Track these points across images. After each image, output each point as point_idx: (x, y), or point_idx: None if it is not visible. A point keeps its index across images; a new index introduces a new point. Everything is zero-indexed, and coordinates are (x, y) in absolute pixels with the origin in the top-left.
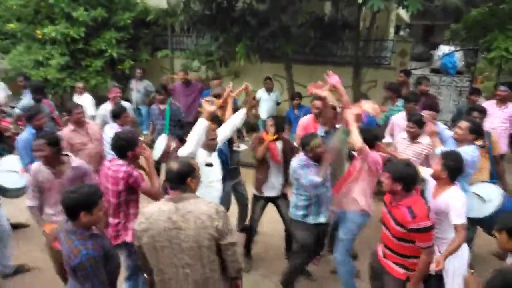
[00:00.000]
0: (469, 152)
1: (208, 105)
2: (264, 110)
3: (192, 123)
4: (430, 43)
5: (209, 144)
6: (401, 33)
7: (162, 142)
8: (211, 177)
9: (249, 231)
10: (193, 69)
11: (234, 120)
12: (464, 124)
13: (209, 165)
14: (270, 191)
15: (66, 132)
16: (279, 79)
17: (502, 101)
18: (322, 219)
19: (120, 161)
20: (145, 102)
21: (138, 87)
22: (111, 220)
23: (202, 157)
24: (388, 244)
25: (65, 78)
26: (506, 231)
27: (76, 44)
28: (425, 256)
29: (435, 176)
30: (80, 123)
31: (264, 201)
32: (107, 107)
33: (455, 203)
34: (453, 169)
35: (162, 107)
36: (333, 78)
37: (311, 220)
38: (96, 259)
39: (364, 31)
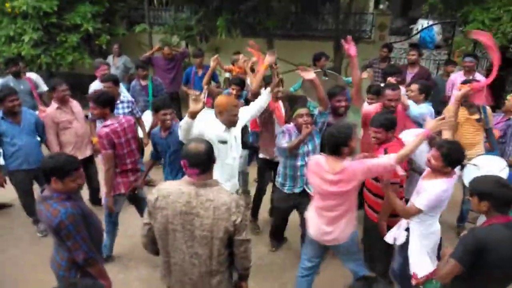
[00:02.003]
0: (426, 107)
1: (194, 104)
2: None
3: (175, 94)
4: (409, 17)
5: (230, 119)
6: (381, 6)
7: (147, 118)
8: (226, 156)
9: (256, 195)
10: (172, 44)
11: (260, 101)
12: (414, 86)
13: (223, 142)
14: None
15: (51, 110)
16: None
17: (469, 72)
18: (297, 190)
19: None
20: (124, 79)
21: (116, 63)
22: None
23: (217, 132)
24: (368, 186)
25: (40, 55)
26: (477, 195)
27: (49, 18)
28: (389, 193)
29: (430, 165)
30: (64, 101)
31: (271, 166)
32: (96, 85)
33: (431, 192)
34: (451, 160)
35: (143, 83)
36: (352, 49)
37: (286, 189)
38: (75, 217)
39: (344, 5)
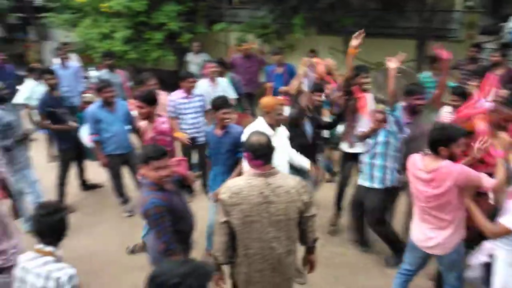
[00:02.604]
0: None
1: None
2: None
3: (252, 95)
4: (500, 14)
5: (276, 119)
6: (468, 3)
7: None
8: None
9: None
10: (248, 42)
11: (298, 161)
12: (503, 92)
13: None
14: (356, 147)
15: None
16: (336, 53)
17: None
18: (366, 184)
19: None
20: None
21: (196, 60)
22: None
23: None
24: None
25: (128, 51)
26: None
27: (139, 17)
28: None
29: None
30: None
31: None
32: (203, 83)
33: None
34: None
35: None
36: (445, 53)
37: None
38: (161, 208)
39: (430, 1)
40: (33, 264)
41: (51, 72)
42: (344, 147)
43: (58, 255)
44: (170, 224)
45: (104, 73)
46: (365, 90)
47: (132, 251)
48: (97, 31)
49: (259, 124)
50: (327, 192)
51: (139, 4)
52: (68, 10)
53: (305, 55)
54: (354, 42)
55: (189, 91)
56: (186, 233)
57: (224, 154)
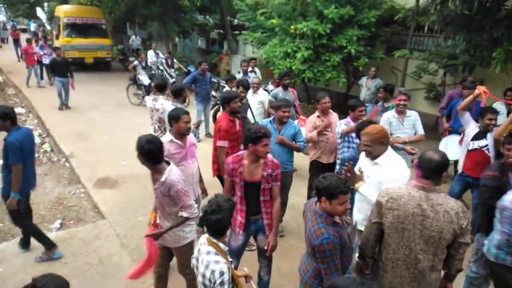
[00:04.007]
0: None
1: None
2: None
3: None
4: None
5: None
6: None
7: None
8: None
9: None
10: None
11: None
12: None
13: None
14: None
15: (312, 117)
16: None
17: None
18: None
19: None
20: (372, 100)
21: (369, 85)
22: None
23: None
24: None
25: (305, 70)
26: None
27: (320, 40)
28: None
29: None
30: (325, 112)
31: None
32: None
33: None
34: None
35: (386, 105)
36: None
37: None
38: (335, 245)
39: None
40: (203, 250)
41: (244, 85)
42: None
43: (222, 247)
44: (340, 262)
45: (278, 91)
46: None
47: None
48: (281, 50)
49: None
50: None
51: (324, 28)
52: (261, 29)
53: (493, 91)
54: None
55: (357, 120)
56: (346, 265)
57: None
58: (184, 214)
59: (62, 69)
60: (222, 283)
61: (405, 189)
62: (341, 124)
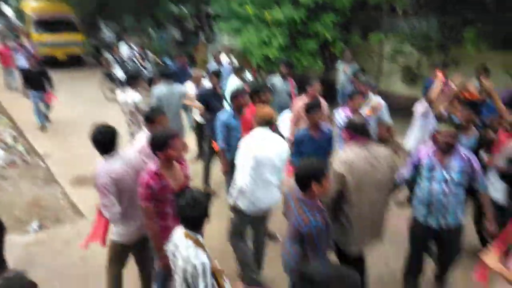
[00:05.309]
0: None
1: None
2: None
3: None
4: None
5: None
6: None
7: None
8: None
9: None
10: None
11: None
12: None
13: None
14: None
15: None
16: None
17: None
18: None
19: None
20: (349, 84)
21: (346, 70)
22: None
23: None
24: None
25: (281, 58)
26: None
27: (296, 26)
28: None
29: None
30: (315, 97)
31: None
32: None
33: None
34: None
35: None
36: None
37: None
38: (322, 231)
39: None
40: (181, 244)
41: (216, 74)
42: None
43: (200, 240)
44: (325, 242)
45: (277, 80)
46: None
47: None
48: (257, 38)
49: None
50: None
51: (299, 14)
52: (236, 18)
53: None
54: None
55: (356, 111)
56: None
57: (322, 156)
58: (102, 210)
59: (38, 81)
60: (204, 274)
61: (350, 150)
62: (340, 115)
